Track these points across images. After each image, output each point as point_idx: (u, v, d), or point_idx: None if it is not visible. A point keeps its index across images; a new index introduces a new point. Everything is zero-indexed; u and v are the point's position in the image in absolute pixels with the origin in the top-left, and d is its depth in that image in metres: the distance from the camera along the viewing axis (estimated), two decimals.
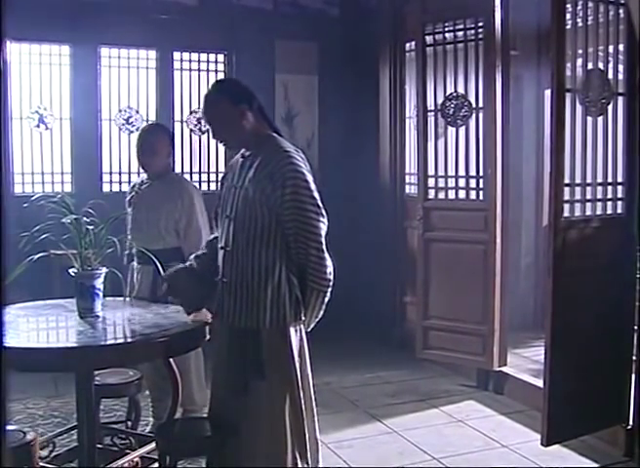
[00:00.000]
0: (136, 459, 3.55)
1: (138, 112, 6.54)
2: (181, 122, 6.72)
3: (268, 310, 2.90)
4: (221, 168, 6.88)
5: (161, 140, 4.24)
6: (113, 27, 6.11)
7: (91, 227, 3.26)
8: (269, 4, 6.82)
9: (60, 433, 3.94)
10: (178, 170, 6.60)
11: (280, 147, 2.94)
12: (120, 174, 6.50)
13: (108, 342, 3.06)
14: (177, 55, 6.69)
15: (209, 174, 6.88)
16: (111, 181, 6.49)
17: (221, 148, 6.85)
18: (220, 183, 3.28)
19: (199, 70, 6.83)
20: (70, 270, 3.29)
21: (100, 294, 3.31)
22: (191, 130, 6.78)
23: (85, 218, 3.29)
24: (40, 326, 3.37)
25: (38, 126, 6.22)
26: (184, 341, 3.20)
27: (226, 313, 2.99)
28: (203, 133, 6.80)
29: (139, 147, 4.23)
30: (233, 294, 2.95)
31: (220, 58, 6.91)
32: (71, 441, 3.87)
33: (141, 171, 4.48)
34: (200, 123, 6.77)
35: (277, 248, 2.91)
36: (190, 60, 6.79)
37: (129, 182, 6.51)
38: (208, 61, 6.87)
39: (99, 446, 3.49)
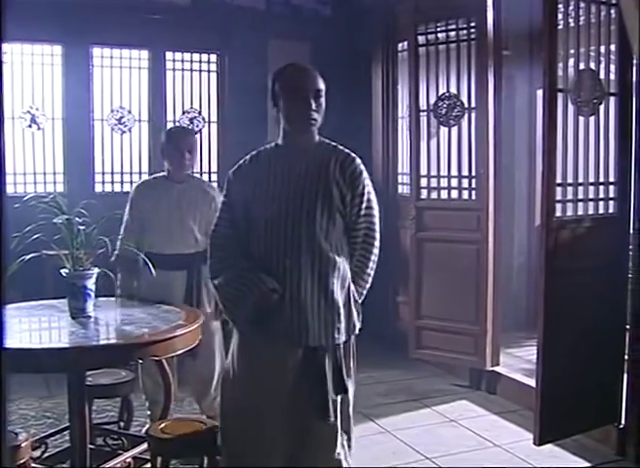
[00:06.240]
0: (128, 460, 3.54)
1: (130, 112, 6.53)
2: (174, 122, 6.69)
3: (343, 322, 2.75)
4: (214, 167, 6.88)
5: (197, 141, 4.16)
6: (105, 27, 6.10)
7: (83, 227, 3.26)
8: (262, 4, 6.82)
9: (52, 433, 3.94)
10: None
11: (341, 148, 2.85)
12: (112, 174, 6.49)
13: (100, 343, 3.06)
14: (169, 55, 6.68)
15: (201, 173, 6.86)
16: (104, 182, 6.47)
17: (214, 148, 6.86)
18: (234, 182, 2.89)
19: (191, 70, 6.82)
20: (62, 271, 3.28)
21: (92, 295, 3.30)
22: None
23: (77, 219, 3.28)
24: (32, 326, 3.36)
25: (30, 126, 6.20)
26: (178, 342, 3.19)
27: (290, 333, 2.70)
28: (195, 133, 6.79)
29: (181, 147, 4.02)
30: (301, 311, 2.69)
31: (213, 58, 6.90)
32: (64, 441, 3.86)
33: (156, 171, 4.38)
34: (192, 123, 6.76)
35: (345, 253, 2.81)
36: (183, 60, 6.78)
37: (121, 183, 6.52)
38: (200, 61, 6.86)
39: (91, 446, 3.47)
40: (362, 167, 2.84)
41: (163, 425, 3.24)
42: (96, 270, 3.31)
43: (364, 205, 2.81)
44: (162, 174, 4.24)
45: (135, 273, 3.90)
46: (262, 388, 2.74)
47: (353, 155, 2.85)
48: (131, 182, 6.54)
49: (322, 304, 2.71)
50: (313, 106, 2.74)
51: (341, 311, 2.75)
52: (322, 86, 2.79)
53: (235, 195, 2.85)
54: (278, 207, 2.73)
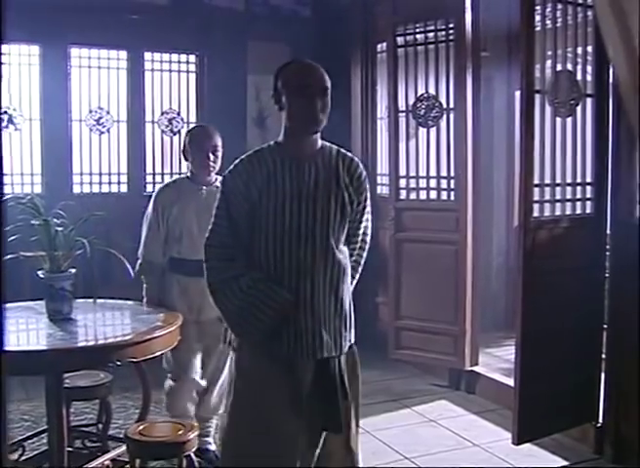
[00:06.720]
0: (107, 462, 3.52)
1: (108, 113, 6.48)
2: (152, 123, 6.66)
3: (349, 330, 2.65)
4: None
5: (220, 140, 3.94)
6: (83, 27, 6.05)
7: (60, 229, 3.24)
8: (240, 4, 6.80)
9: (30, 436, 3.91)
10: (149, 170, 6.58)
11: (344, 152, 2.75)
12: (91, 175, 6.45)
13: (78, 345, 3.04)
14: (148, 55, 6.63)
15: (180, 175, 6.82)
16: (82, 182, 6.42)
17: None
18: (233, 184, 2.60)
19: (170, 71, 6.78)
20: (39, 272, 3.26)
21: (70, 296, 3.28)
22: (162, 131, 6.73)
23: (55, 220, 3.26)
24: (10, 328, 3.33)
25: (7, 126, 6.15)
26: (156, 343, 3.18)
27: (306, 344, 2.54)
28: (174, 134, 6.75)
29: (205, 148, 3.82)
30: (315, 321, 2.54)
31: (192, 58, 6.86)
32: (41, 444, 3.84)
33: (177, 173, 4.36)
34: (171, 124, 6.72)
35: (348, 258, 2.73)
36: (162, 61, 6.73)
37: (100, 184, 6.47)
38: (179, 62, 6.82)
39: (69, 449, 3.46)
40: (364, 171, 2.77)
41: (141, 427, 3.23)
42: (73, 272, 3.29)
43: (366, 210, 2.78)
44: (183, 175, 4.15)
45: (161, 281, 3.84)
46: (273, 401, 2.55)
47: (357, 159, 2.78)
48: (109, 183, 6.50)
49: (333, 314, 2.59)
50: (319, 106, 2.59)
51: (348, 319, 2.66)
52: (328, 84, 2.64)
53: (235, 198, 2.58)
54: (290, 211, 2.54)
